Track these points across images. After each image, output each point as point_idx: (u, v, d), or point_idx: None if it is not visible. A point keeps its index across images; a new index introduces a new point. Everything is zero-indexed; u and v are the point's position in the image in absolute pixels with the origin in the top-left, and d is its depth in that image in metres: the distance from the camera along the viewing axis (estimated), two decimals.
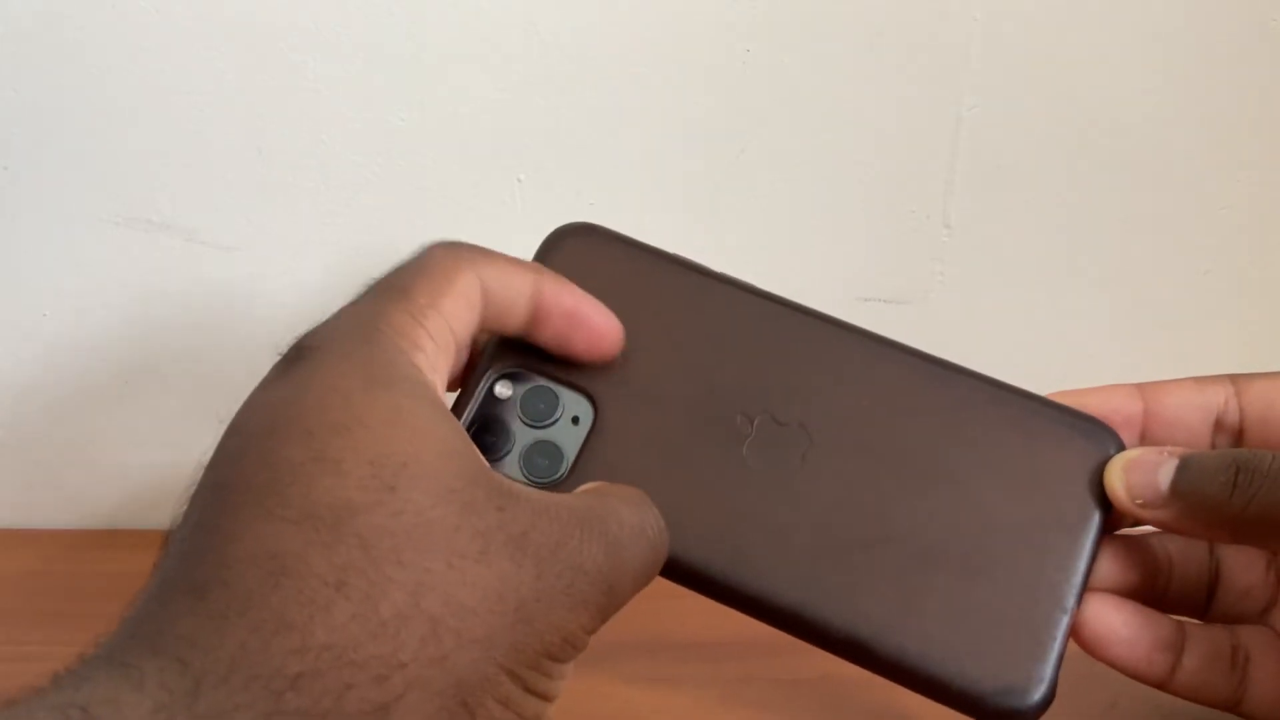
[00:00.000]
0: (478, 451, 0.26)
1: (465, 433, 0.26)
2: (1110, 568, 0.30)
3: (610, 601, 0.26)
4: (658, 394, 0.31)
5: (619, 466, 0.30)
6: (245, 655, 0.21)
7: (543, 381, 0.31)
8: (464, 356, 0.30)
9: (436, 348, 0.27)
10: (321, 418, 0.24)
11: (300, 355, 0.25)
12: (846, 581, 0.29)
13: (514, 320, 0.30)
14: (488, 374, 0.31)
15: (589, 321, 0.30)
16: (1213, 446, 0.31)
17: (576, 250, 0.33)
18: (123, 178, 0.47)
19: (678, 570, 0.29)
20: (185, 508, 0.24)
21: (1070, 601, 0.29)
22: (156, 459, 0.52)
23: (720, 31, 0.47)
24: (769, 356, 0.32)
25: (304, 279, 0.49)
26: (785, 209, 0.50)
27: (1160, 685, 0.30)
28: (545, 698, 0.25)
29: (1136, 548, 0.31)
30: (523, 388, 0.31)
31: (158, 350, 0.50)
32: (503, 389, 0.31)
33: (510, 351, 0.31)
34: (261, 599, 0.22)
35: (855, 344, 0.32)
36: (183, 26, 0.45)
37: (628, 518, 0.27)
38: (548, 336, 0.30)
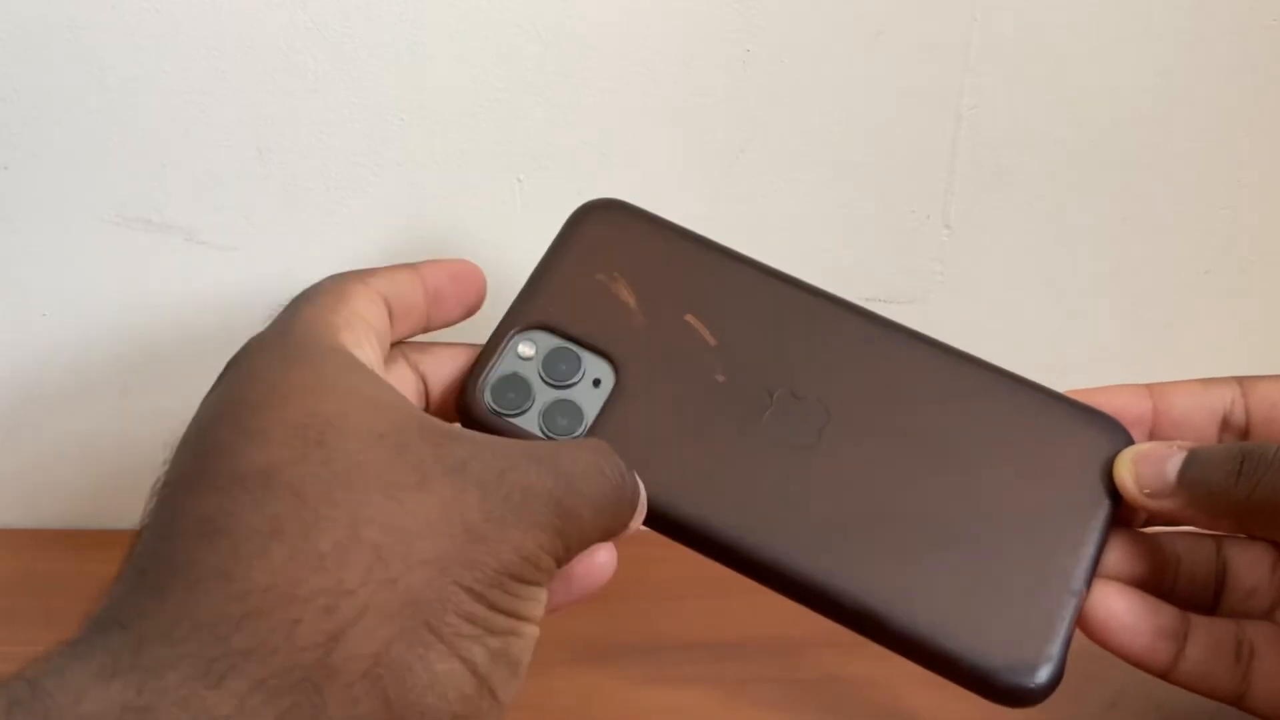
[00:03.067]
0: (412, 404, 0.27)
1: (395, 390, 0.27)
2: (1118, 560, 0.31)
3: (566, 524, 0.26)
4: (679, 362, 0.32)
5: (637, 429, 0.31)
6: (185, 609, 0.22)
7: (566, 343, 0.32)
8: (385, 347, 0.31)
9: (354, 331, 0.28)
10: (245, 399, 0.25)
11: (227, 366, 0.27)
12: (860, 553, 0.29)
13: (419, 314, 0.32)
14: (511, 331, 0.32)
15: (461, 275, 0.32)
16: (1219, 443, 0.31)
17: (603, 224, 0.34)
18: (123, 178, 0.47)
19: (694, 535, 0.30)
20: (142, 521, 0.25)
21: (1079, 585, 0.29)
22: (156, 459, 0.52)
23: (720, 31, 0.47)
24: (790, 334, 0.32)
25: (304, 279, 0.49)
26: (785, 209, 0.50)
27: (1163, 675, 0.31)
28: (516, 616, 0.25)
29: (1144, 543, 0.31)
30: (546, 347, 0.32)
31: (158, 350, 0.50)
32: (525, 348, 0.32)
33: (532, 310, 0.32)
34: (198, 558, 0.23)
35: (876, 328, 0.33)
36: (183, 26, 0.45)
37: (583, 457, 0.27)
38: (454, 310, 0.32)
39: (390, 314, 0.31)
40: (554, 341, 0.32)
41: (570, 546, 0.26)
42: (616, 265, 0.33)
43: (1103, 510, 0.30)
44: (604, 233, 0.33)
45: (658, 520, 0.30)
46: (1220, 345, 0.55)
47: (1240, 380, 0.32)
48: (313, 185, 0.48)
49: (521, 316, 0.32)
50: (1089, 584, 0.30)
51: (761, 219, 0.50)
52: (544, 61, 0.46)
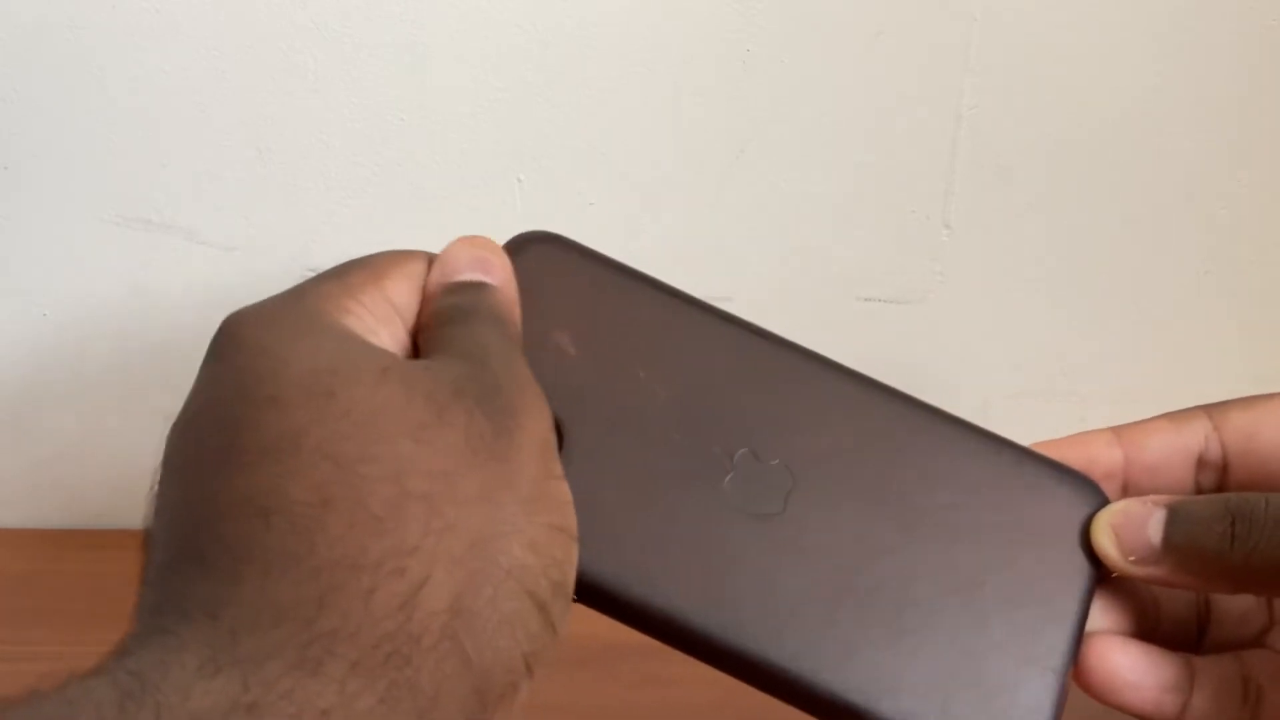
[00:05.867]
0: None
1: (392, 351, 0.26)
2: (1100, 617, 0.29)
3: (536, 395, 0.26)
4: (631, 423, 0.29)
5: (587, 501, 0.27)
6: (265, 596, 0.22)
7: None
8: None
9: (373, 316, 0.27)
10: (249, 372, 0.24)
11: (219, 336, 0.26)
12: (835, 641, 0.27)
13: None
14: None
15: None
16: (1197, 485, 0.30)
17: (538, 265, 0.30)
18: (122, 178, 0.47)
19: (653, 622, 0.27)
20: (154, 505, 0.25)
21: (1063, 663, 0.28)
22: (156, 458, 0.52)
23: (720, 31, 0.47)
24: (749, 389, 0.29)
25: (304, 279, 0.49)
26: (785, 208, 0.50)
27: None
28: (569, 533, 0.25)
29: (1121, 590, 0.30)
30: None
31: (157, 349, 0.50)
32: None
33: None
34: (260, 542, 0.22)
35: (836, 381, 0.30)
36: (183, 26, 0.45)
37: (488, 326, 0.27)
38: None
39: None
40: None
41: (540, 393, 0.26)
42: (555, 313, 0.29)
43: (1082, 579, 0.29)
44: (539, 275, 0.29)
45: (612, 605, 0.27)
46: (1220, 345, 0.55)
47: (1209, 412, 0.30)
48: (313, 185, 0.47)
49: None
50: (1074, 658, 0.28)
51: (761, 219, 0.50)
52: (544, 61, 0.46)
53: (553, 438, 0.25)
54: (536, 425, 0.25)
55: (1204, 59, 0.49)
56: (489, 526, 0.23)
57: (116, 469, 0.52)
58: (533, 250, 0.30)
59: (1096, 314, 0.54)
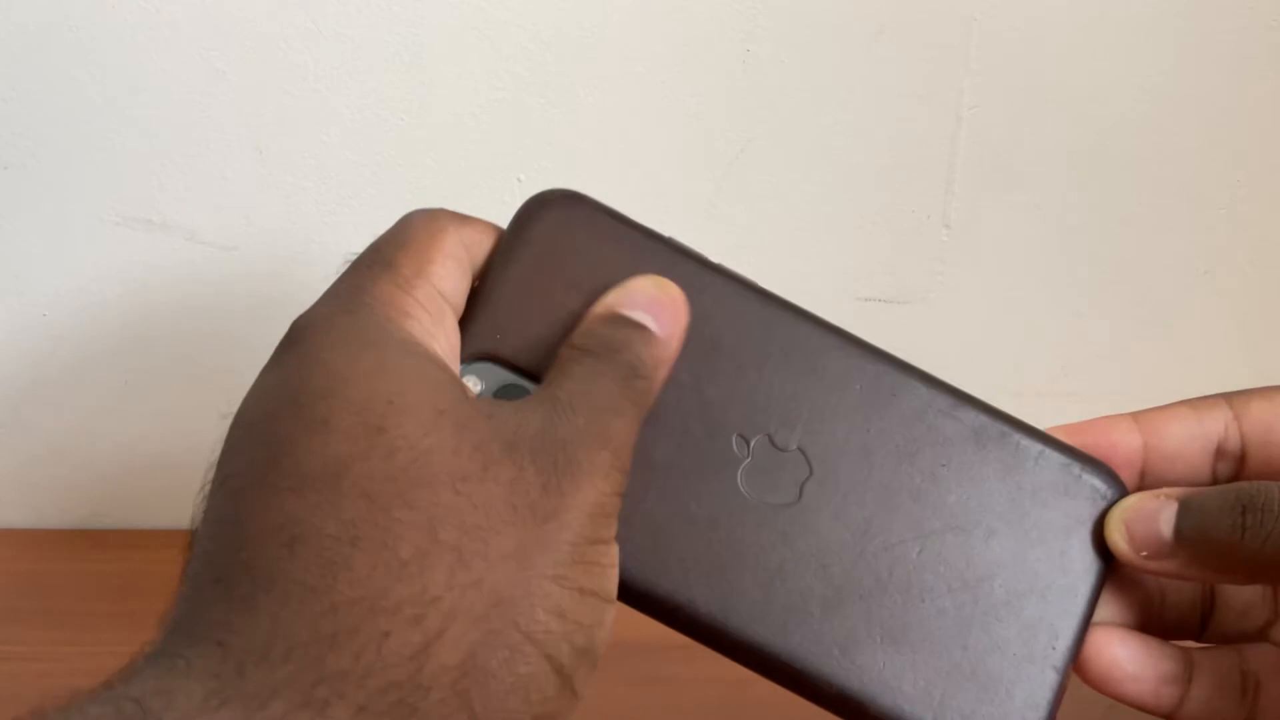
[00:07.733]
0: (466, 387, 0.26)
1: (456, 376, 0.26)
2: (1103, 607, 0.29)
3: (617, 456, 0.25)
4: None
5: None
6: (278, 627, 0.21)
7: (517, 378, 0.28)
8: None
9: (429, 315, 0.26)
10: (308, 387, 0.24)
11: (288, 339, 0.25)
12: (838, 634, 0.28)
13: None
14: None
15: None
16: (1213, 473, 0.30)
17: (559, 225, 0.29)
18: (123, 178, 0.47)
19: (661, 608, 0.28)
20: (201, 507, 0.24)
21: (1064, 660, 0.28)
22: (156, 458, 0.52)
23: (720, 31, 0.47)
24: (771, 368, 0.29)
25: (304, 279, 0.49)
26: (785, 209, 0.50)
27: (1169, 717, 0.30)
28: (602, 596, 0.24)
29: (1126, 580, 0.30)
30: (495, 382, 0.28)
31: (157, 349, 0.50)
32: (471, 383, 0.28)
33: (478, 337, 0.28)
34: (282, 571, 0.22)
35: (857, 359, 0.30)
36: (183, 26, 0.45)
37: (604, 380, 0.26)
38: None
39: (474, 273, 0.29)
40: (504, 375, 0.28)
41: (624, 468, 0.25)
42: (574, 278, 0.28)
43: (1093, 572, 0.29)
44: (559, 236, 0.29)
45: (622, 592, 0.27)
46: (1220, 345, 0.55)
47: (1230, 400, 0.30)
48: (312, 185, 0.47)
49: (465, 345, 0.28)
50: (1076, 653, 0.28)
51: (761, 219, 0.50)
52: (544, 61, 0.46)
53: (615, 501, 0.25)
54: (596, 486, 0.24)
55: (1204, 59, 0.49)
56: (515, 587, 0.23)
57: (116, 469, 0.52)
58: (552, 211, 0.29)
59: (1096, 313, 0.54)
